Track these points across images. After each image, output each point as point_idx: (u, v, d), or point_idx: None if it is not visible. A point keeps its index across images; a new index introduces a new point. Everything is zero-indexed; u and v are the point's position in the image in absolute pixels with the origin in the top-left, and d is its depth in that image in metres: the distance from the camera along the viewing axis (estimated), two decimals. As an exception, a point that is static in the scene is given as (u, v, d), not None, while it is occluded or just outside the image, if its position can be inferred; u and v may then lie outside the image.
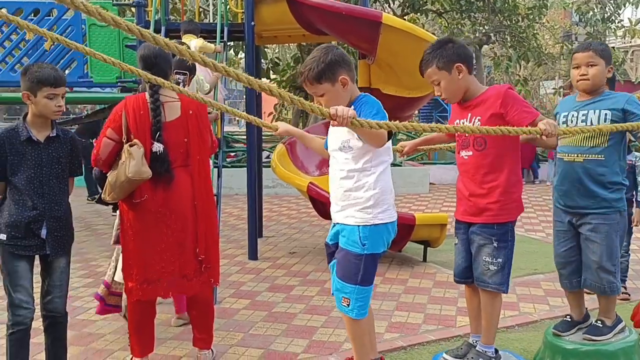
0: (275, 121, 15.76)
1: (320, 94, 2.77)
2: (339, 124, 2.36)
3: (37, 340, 3.17)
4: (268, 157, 10.44)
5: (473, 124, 2.94)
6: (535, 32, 14.97)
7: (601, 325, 3.16)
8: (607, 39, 17.82)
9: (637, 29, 15.44)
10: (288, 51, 20.32)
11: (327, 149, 3.02)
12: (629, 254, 4.66)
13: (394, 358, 3.49)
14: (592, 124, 3.05)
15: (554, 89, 17.36)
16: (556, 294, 4.65)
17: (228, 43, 7.03)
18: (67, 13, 7.35)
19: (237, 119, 28.49)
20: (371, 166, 2.78)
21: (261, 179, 7.14)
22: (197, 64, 4.92)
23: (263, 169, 7.46)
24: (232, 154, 13.07)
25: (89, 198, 9.43)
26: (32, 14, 7.28)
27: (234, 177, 10.17)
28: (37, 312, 2.89)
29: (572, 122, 3.13)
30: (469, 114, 3.00)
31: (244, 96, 7.48)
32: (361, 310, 2.82)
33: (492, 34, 14.51)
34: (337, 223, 2.90)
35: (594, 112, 3.05)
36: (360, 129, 2.51)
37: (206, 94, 5.61)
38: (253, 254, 5.94)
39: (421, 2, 13.22)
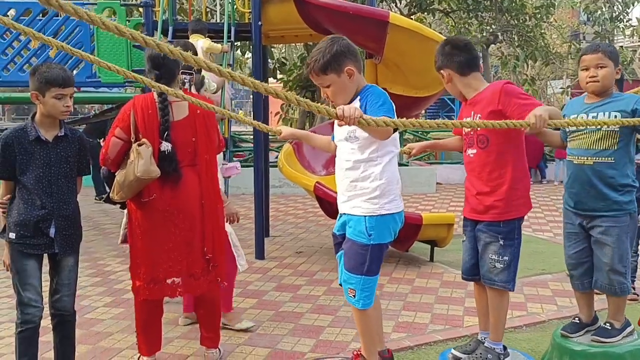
0: (282, 121, 15.79)
1: (327, 85, 2.77)
2: (346, 123, 2.36)
3: (46, 338, 3.19)
4: (276, 157, 10.44)
5: None
6: (542, 31, 14.92)
7: (610, 328, 3.15)
8: (615, 38, 17.74)
9: (645, 28, 15.37)
10: (295, 51, 20.34)
11: (334, 141, 3.03)
12: (638, 254, 4.63)
13: (401, 358, 3.48)
14: (601, 127, 3.03)
15: (561, 88, 17.30)
16: (564, 294, 4.63)
17: (235, 43, 7.03)
18: (75, 13, 7.37)
19: (243, 118, 28.54)
20: (377, 156, 2.78)
21: (268, 178, 7.15)
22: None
23: (270, 168, 7.47)
24: (240, 153, 13.09)
25: (96, 198, 9.47)
26: (41, 14, 7.32)
27: (240, 177, 10.17)
28: (46, 310, 2.90)
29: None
30: (472, 112, 3.04)
31: (251, 96, 7.49)
32: (367, 300, 2.84)
33: (499, 34, 14.47)
34: (344, 213, 2.91)
35: (604, 114, 3.03)
36: (368, 127, 2.51)
37: (213, 93, 5.62)
38: (260, 254, 5.95)
39: (428, 1, 13.20)
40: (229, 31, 6.43)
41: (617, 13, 15.75)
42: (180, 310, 4.17)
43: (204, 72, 5.27)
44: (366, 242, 2.79)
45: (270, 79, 13.80)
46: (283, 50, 20.51)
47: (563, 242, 3.32)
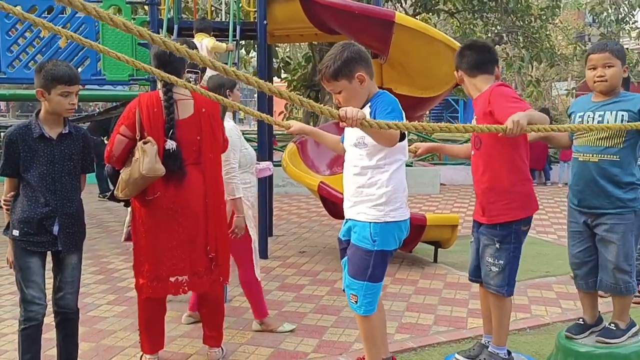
0: (286, 120, 15.80)
1: (338, 91, 2.76)
2: (348, 125, 2.35)
3: (49, 335, 3.18)
4: (280, 157, 10.43)
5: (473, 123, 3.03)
6: (548, 32, 14.87)
7: (615, 328, 3.13)
8: (621, 40, 17.67)
9: (651, 30, 15.31)
10: (299, 50, 20.34)
11: (343, 144, 3.02)
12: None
13: (404, 359, 3.47)
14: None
15: (566, 90, 17.25)
16: (568, 296, 4.61)
17: (240, 42, 7.03)
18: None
19: (247, 117, 28.55)
20: (385, 164, 2.77)
21: (271, 177, 7.14)
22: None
23: (274, 167, 7.45)
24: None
25: (100, 195, 9.49)
26: (46, 12, 7.33)
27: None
28: (49, 308, 2.90)
29: (588, 122, 3.10)
30: (474, 113, 3.10)
31: (255, 95, 7.49)
32: (369, 306, 2.82)
33: (504, 35, 14.44)
34: (350, 219, 2.90)
35: (611, 113, 3.02)
36: (370, 130, 2.49)
37: None
38: (263, 253, 5.93)
39: (433, 2, 13.17)
40: (234, 30, 6.42)
41: (623, 15, 15.69)
42: (183, 308, 4.17)
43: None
44: (370, 248, 2.77)
45: (275, 78, 13.79)
46: (287, 50, 20.52)
47: (567, 242, 3.31)
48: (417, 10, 13.64)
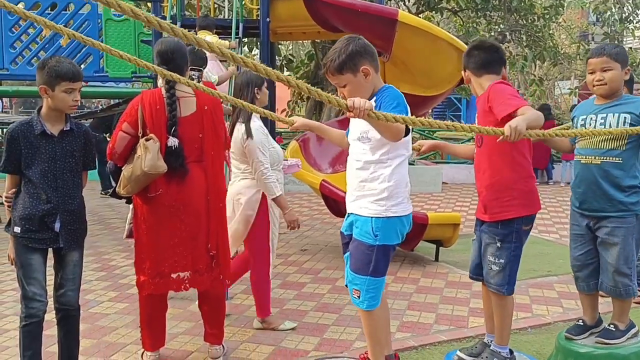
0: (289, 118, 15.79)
1: (343, 85, 2.76)
2: (355, 115, 2.34)
3: (50, 332, 3.19)
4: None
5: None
6: (551, 31, 14.83)
7: (614, 329, 3.13)
8: (625, 39, 17.63)
9: (656, 29, 15.26)
10: (302, 48, 20.31)
11: (348, 138, 3.02)
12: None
13: (405, 358, 3.47)
14: (610, 127, 3.01)
15: (569, 89, 17.18)
16: (570, 296, 4.60)
17: (243, 39, 7.03)
18: (84, 8, 7.40)
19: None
20: (388, 158, 2.77)
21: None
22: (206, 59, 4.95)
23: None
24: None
25: (102, 192, 9.50)
26: (50, 9, 7.33)
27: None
28: (50, 304, 2.90)
29: (590, 125, 3.09)
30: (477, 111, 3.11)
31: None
32: (372, 301, 2.82)
33: (507, 33, 14.39)
34: (352, 213, 2.90)
35: (613, 116, 3.02)
36: (376, 122, 2.48)
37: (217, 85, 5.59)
38: (264, 251, 5.93)
39: (436, 0, 13.15)
40: (237, 27, 6.42)
41: (627, 14, 15.62)
42: (184, 305, 4.18)
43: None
44: (372, 242, 2.77)
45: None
46: (290, 47, 20.50)
47: (569, 243, 3.30)
48: (420, 9, 13.61)
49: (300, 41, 17.85)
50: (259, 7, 6.40)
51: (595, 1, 16.02)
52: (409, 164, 3.01)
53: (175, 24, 6.29)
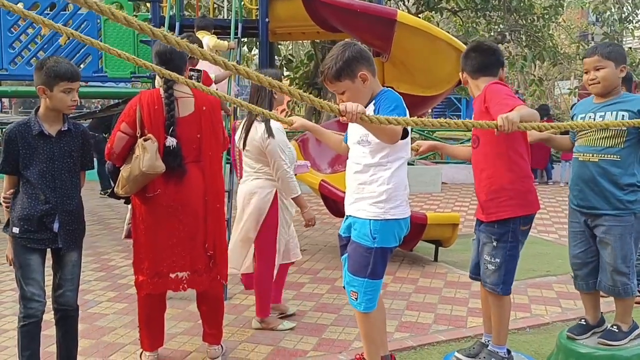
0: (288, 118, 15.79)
1: (342, 92, 2.75)
2: (348, 120, 2.35)
3: (49, 332, 3.19)
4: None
5: None
6: (551, 31, 14.83)
7: (617, 330, 3.13)
8: (625, 39, 17.63)
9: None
10: (302, 48, 20.31)
11: (346, 143, 3.02)
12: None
13: (403, 358, 3.47)
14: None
15: (569, 89, 17.20)
16: (568, 296, 4.60)
17: (242, 39, 7.03)
18: (83, 8, 7.40)
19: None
20: (387, 161, 2.77)
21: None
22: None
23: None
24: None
25: (101, 192, 9.50)
26: (49, 9, 7.33)
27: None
28: (49, 304, 2.91)
29: None
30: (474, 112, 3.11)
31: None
32: (369, 303, 2.82)
33: (507, 33, 14.39)
34: (350, 215, 2.91)
35: (611, 114, 3.03)
36: (370, 126, 2.48)
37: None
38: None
39: (436, 0, 13.15)
40: (236, 27, 6.42)
41: (626, 14, 15.63)
42: (182, 305, 4.18)
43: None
44: (370, 245, 2.77)
45: (277, 76, 13.74)
46: (290, 47, 20.50)
47: (568, 242, 3.30)
48: (420, 9, 13.62)
49: (300, 41, 17.85)
50: (258, 7, 6.40)
51: (595, 1, 16.03)
52: (409, 164, 3.02)
53: (175, 25, 6.32)
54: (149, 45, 6.77)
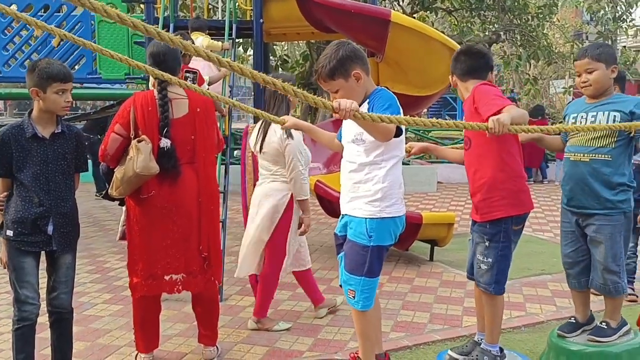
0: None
1: (335, 90, 2.77)
2: (341, 116, 2.36)
3: (44, 335, 3.19)
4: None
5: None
6: (545, 31, 14.87)
7: (606, 327, 3.16)
8: (619, 38, 17.69)
9: (648, 28, 15.31)
10: (297, 48, 20.31)
11: (339, 141, 3.03)
12: (637, 255, 4.62)
13: (399, 357, 3.48)
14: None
15: (563, 88, 17.23)
16: (563, 294, 4.62)
17: (237, 40, 7.02)
18: (77, 10, 7.39)
19: (245, 116, 28.53)
20: (382, 160, 2.78)
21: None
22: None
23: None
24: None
25: (97, 194, 9.47)
26: (42, 10, 7.32)
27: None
28: (43, 307, 2.90)
29: (581, 123, 3.12)
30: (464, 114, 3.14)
31: (253, 93, 7.48)
32: (366, 301, 2.84)
33: (502, 33, 14.42)
34: (346, 214, 2.92)
35: (603, 114, 3.05)
36: (364, 123, 2.50)
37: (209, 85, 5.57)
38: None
39: (431, 0, 13.17)
40: (231, 28, 6.41)
41: (620, 13, 15.68)
42: (178, 307, 4.17)
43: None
44: (366, 243, 2.78)
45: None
46: (286, 48, 20.50)
47: (560, 241, 3.32)
48: (414, 9, 13.63)
49: (295, 42, 17.84)
50: (252, 8, 6.39)
51: (589, 0, 16.08)
52: (404, 163, 3.03)
53: (169, 26, 6.31)
54: (143, 47, 6.76)
